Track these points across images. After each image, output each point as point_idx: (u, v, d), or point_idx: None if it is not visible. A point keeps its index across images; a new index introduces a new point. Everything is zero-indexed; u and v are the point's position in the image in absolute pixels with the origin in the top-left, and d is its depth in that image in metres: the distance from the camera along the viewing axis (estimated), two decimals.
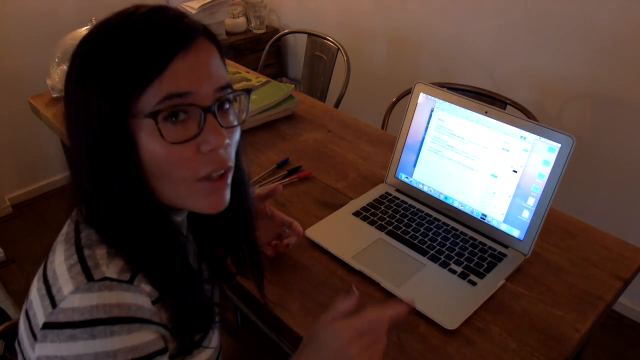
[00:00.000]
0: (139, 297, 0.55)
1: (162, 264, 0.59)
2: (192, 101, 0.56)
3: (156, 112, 0.54)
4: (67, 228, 0.62)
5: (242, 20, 2.69)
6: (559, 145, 0.89)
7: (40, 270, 0.59)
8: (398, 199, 1.10)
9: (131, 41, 0.54)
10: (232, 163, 0.62)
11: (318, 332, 0.64)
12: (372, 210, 1.07)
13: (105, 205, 0.58)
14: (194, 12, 2.41)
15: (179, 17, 0.57)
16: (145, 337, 0.55)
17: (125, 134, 0.55)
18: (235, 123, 0.62)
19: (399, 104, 1.58)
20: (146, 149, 0.56)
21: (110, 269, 0.55)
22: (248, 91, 0.64)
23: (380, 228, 1.02)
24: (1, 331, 0.90)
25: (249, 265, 0.80)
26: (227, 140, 0.59)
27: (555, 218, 1.05)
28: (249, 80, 1.57)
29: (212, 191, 0.60)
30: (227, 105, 0.61)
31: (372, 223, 1.04)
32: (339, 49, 1.93)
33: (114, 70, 0.54)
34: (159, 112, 0.54)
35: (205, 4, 2.44)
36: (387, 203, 1.09)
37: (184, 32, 0.56)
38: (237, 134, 0.63)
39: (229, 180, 0.62)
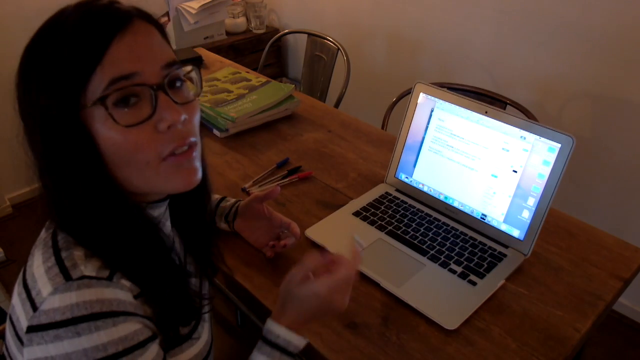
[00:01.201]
0: (119, 292, 0.55)
1: (137, 261, 0.59)
2: (140, 81, 0.55)
3: (103, 97, 0.53)
4: (44, 233, 0.61)
5: (242, 20, 2.69)
6: (559, 145, 0.88)
7: (20, 275, 0.59)
8: (398, 199, 1.10)
9: (65, 36, 0.54)
10: (195, 138, 0.60)
11: (293, 291, 0.68)
12: (372, 210, 1.07)
13: (72, 206, 0.57)
14: (194, 12, 2.41)
15: (108, 4, 0.57)
16: (132, 327, 0.55)
17: (79, 128, 0.55)
18: (192, 98, 0.61)
19: (399, 104, 1.59)
20: (103, 138, 0.55)
21: (88, 267, 0.55)
22: (197, 63, 0.63)
23: (380, 228, 1.02)
24: (1, 331, 0.90)
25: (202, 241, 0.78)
26: (184, 116, 0.58)
27: (555, 218, 1.05)
28: (249, 80, 1.57)
29: (180, 165, 0.59)
30: (178, 84, 0.59)
31: (372, 223, 1.04)
32: (339, 49, 1.93)
33: (55, 67, 0.54)
34: (106, 96, 0.53)
35: (205, 4, 2.44)
36: (387, 203, 1.09)
37: (116, 16, 0.56)
38: (197, 110, 0.61)
39: (196, 154, 0.61)
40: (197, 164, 0.61)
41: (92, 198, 0.57)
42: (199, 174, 0.62)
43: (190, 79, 0.62)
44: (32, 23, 0.59)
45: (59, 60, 0.53)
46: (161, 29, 0.61)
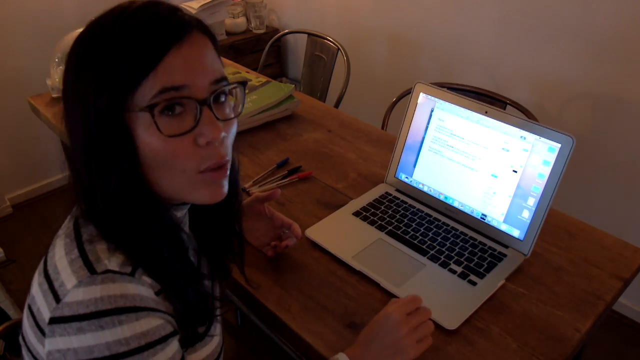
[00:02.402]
0: (141, 289, 0.56)
1: (160, 258, 0.59)
2: (188, 94, 0.56)
3: (152, 105, 0.54)
4: (67, 223, 0.62)
5: (242, 20, 2.69)
6: (559, 145, 0.89)
7: (41, 265, 0.59)
8: (398, 199, 1.10)
9: (125, 36, 0.54)
10: (229, 157, 0.62)
11: (372, 324, 0.73)
12: (372, 210, 1.07)
13: (102, 199, 0.58)
14: (194, 12, 2.41)
15: (172, 11, 0.57)
16: (154, 323, 0.56)
17: (122, 128, 0.55)
18: (232, 115, 0.62)
19: (399, 104, 1.59)
20: (143, 143, 0.56)
21: (112, 262, 0.56)
22: (244, 83, 0.64)
23: (380, 228, 1.02)
24: (1, 331, 0.90)
25: (235, 251, 0.81)
26: (224, 133, 0.59)
27: (555, 218, 1.05)
28: (249, 80, 1.57)
29: (212, 181, 0.61)
30: (222, 98, 0.61)
31: (372, 223, 1.04)
32: (339, 49, 1.93)
33: (109, 65, 0.54)
34: (155, 105, 0.54)
35: (205, 4, 2.44)
36: (387, 203, 1.09)
37: (178, 25, 0.56)
38: (234, 127, 0.63)
39: (228, 173, 0.63)
40: (226, 182, 0.63)
41: (122, 193, 0.58)
42: (225, 191, 0.63)
43: (231, 93, 0.63)
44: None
45: (115, 59, 0.54)
46: (216, 42, 0.62)
